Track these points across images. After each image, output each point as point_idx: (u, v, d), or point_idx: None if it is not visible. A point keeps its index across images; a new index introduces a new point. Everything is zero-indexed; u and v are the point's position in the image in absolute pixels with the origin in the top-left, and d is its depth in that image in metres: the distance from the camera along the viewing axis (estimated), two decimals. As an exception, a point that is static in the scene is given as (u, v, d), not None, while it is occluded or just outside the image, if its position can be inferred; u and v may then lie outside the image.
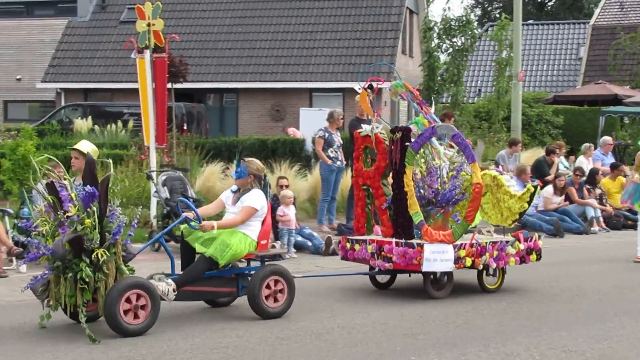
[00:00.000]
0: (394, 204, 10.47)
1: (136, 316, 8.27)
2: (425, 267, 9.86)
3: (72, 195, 8.34)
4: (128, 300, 8.17)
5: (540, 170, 19.40)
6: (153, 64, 15.22)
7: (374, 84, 11.42)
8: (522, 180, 17.21)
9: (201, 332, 8.59)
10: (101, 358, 7.59)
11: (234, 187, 9.67)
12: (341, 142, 16.26)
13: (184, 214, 9.33)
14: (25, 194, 13.59)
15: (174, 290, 8.75)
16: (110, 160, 9.21)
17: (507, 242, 10.52)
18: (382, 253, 10.19)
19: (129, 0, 36.86)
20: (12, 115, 40.49)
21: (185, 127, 25.64)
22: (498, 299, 10.40)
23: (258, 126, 33.87)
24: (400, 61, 35.30)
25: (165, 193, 14.35)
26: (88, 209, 8.22)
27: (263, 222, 9.49)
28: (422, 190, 10.39)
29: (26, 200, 13.41)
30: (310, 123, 26.94)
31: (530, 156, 24.90)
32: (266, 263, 9.46)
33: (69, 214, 8.22)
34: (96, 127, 27.27)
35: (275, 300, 9.18)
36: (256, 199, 9.36)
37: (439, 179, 10.42)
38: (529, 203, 10.34)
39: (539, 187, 10.75)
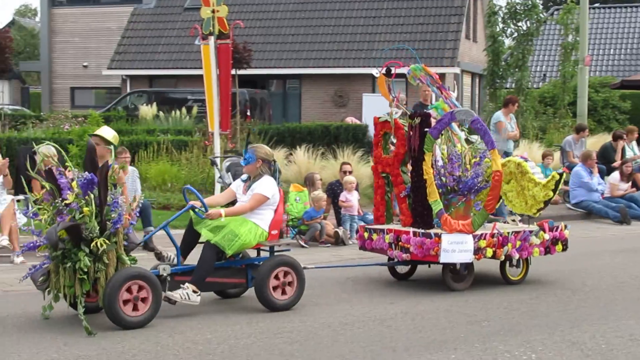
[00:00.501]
0: (413, 192, 10.12)
1: (136, 308, 8.02)
2: (443, 259, 9.51)
3: (73, 183, 8.04)
4: (128, 291, 7.94)
5: (605, 156, 19.11)
6: (217, 51, 15.33)
7: (392, 69, 10.83)
8: (587, 166, 17.00)
9: (265, 317, 8.61)
10: (167, 342, 7.68)
11: (244, 176, 9.33)
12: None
13: (191, 202, 8.97)
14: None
15: (194, 292, 8.44)
16: (112, 147, 9.12)
17: (530, 231, 10.09)
18: (400, 243, 9.84)
19: (193, -13, 37.09)
20: (79, 101, 41.06)
21: (248, 113, 25.72)
22: (562, 286, 10.28)
23: (321, 112, 33.89)
24: (464, 46, 35.04)
25: (229, 179, 14.38)
26: (86, 197, 7.98)
27: (275, 211, 9.14)
28: (443, 178, 10.02)
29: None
30: (373, 109, 26.85)
31: (595, 142, 24.57)
32: (275, 254, 9.15)
33: (67, 202, 7.94)
34: (161, 113, 27.57)
35: (284, 292, 8.87)
36: (267, 186, 8.99)
37: (460, 166, 10.02)
38: (554, 191, 9.88)
39: (564, 175, 10.05)
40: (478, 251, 9.62)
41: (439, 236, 9.48)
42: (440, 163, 10.17)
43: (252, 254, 9.47)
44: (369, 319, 8.58)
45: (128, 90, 35.40)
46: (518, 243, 9.91)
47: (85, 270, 7.81)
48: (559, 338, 7.78)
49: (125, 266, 8.11)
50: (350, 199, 14.17)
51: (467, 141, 10.34)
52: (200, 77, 16.11)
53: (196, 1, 33.59)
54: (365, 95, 31.13)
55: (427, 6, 34.70)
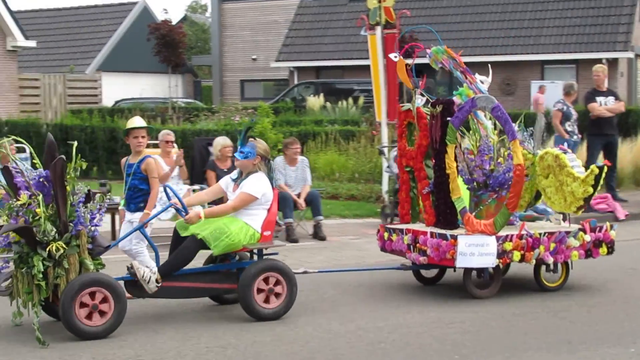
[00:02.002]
0: (436, 188, 9.20)
1: (97, 316, 7.37)
2: (460, 263, 8.52)
3: (30, 181, 7.47)
4: (86, 298, 7.30)
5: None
6: (384, 40, 15.32)
7: (413, 52, 9.95)
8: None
9: (437, 307, 8.54)
10: (339, 329, 7.71)
11: (235, 174, 8.52)
12: (577, 115, 15.86)
13: (171, 202, 8.16)
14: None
15: (156, 280, 7.76)
16: (75, 143, 7.82)
17: (567, 232, 8.93)
18: (417, 245, 8.88)
19: (358, -23, 37.27)
20: (248, 94, 42.02)
21: (415, 103, 25.64)
22: None
23: (488, 100, 33.44)
24: (638, 30, 33.74)
25: (397, 168, 14.39)
26: (36, 197, 7.40)
27: (268, 211, 8.34)
28: (473, 173, 9.05)
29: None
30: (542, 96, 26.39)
31: None
32: (264, 257, 8.36)
33: (21, 202, 7.39)
34: (328, 104, 27.86)
35: (269, 300, 8.01)
36: (256, 185, 8.17)
37: (491, 159, 9.05)
38: (595, 187, 8.56)
39: (605, 168, 8.65)
40: (503, 254, 8.59)
41: (455, 238, 8.53)
42: (470, 156, 9.21)
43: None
44: (542, 310, 8.40)
45: (295, 81, 35.98)
46: (552, 245, 8.80)
47: (41, 275, 7.23)
48: None
49: (89, 272, 7.45)
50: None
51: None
52: (367, 67, 16.16)
53: (362, -8, 33.69)
54: (533, 83, 30.57)
55: (599, -11, 33.66)
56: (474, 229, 8.66)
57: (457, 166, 9.11)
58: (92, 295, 7.32)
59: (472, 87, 9.23)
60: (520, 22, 34.09)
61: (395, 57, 10.37)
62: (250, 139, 8.43)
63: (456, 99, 9.23)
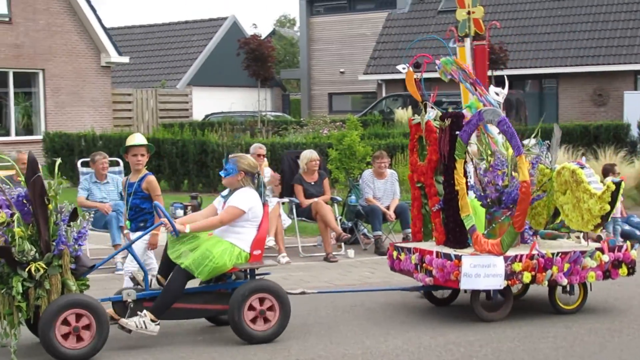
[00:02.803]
0: (445, 205, 8.78)
1: (79, 339, 7.09)
2: (464, 284, 8.08)
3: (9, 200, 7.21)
4: (66, 321, 7.03)
5: None
6: (473, 52, 15.20)
7: (421, 63, 9.58)
8: None
9: (529, 321, 8.37)
10: (430, 343, 7.64)
11: (225, 192, 8.22)
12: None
13: (161, 220, 7.98)
14: (351, 182, 14.15)
15: (152, 321, 7.51)
16: (59, 160, 7.54)
17: (583, 252, 8.41)
18: (424, 265, 8.45)
19: (446, -11, 37.10)
20: (336, 107, 42.16)
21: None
22: None
23: (579, 112, 32.88)
24: None
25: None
26: (16, 216, 7.15)
27: (258, 229, 7.99)
28: (485, 189, 8.59)
29: (353, 188, 14.01)
30: (636, 107, 25.78)
31: None
32: (256, 277, 8.01)
33: (0, 221, 7.11)
34: (416, 115, 27.75)
35: (263, 321, 7.70)
36: (243, 198, 7.88)
37: (505, 175, 8.54)
38: (612, 204, 7.99)
39: (622, 184, 8.15)
40: (512, 276, 8.11)
41: (459, 258, 8.09)
42: (481, 171, 8.77)
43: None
44: (638, 326, 8.16)
45: (383, 94, 35.95)
46: (566, 266, 8.30)
47: (18, 297, 6.99)
48: None
49: (71, 292, 7.19)
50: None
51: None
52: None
53: (450, 3, 33.53)
54: (627, 93, 29.89)
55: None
56: (482, 249, 8.24)
57: (468, 182, 8.76)
58: (72, 317, 7.06)
59: (482, 100, 8.81)
60: (612, 31, 33.45)
61: (404, 68, 9.87)
62: (231, 155, 8.18)
63: (466, 112, 8.88)
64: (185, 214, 12.56)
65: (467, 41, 15.21)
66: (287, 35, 64.42)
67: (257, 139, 22.10)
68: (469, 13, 15.19)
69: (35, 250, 7.11)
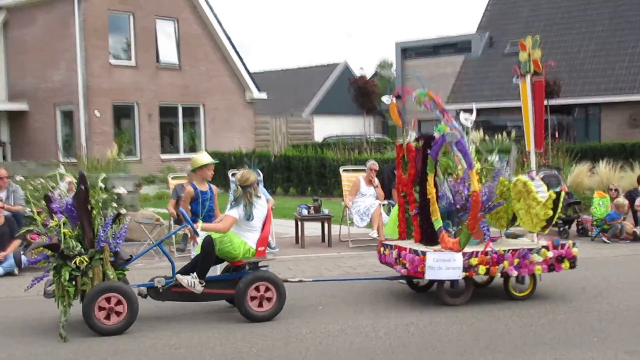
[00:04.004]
0: (420, 210, 8.47)
1: (110, 316, 7.04)
2: (428, 275, 7.80)
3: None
4: (103, 302, 6.99)
5: None
6: (533, 86, 14.84)
7: (401, 94, 9.14)
8: None
9: (488, 305, 7.98)
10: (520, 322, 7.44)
11: (231, 197, 7.98)
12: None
13: (184, 224, 7.77)
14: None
15: (200, 282, 7.43)
16: (103, 175, 7.88)
17: (530, 249, 8.09)
18: (400, 259, 8.24)
19: (511, 36, 36.41)
20: (424, 130, 41.65)
21: (557, 135, 24.73)
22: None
23: (618, 133, 31.73)
24: None
25: (543, 186, 13.92)
26: (62, 220, 7.10)
27: (262, 229, 7.79)
28: (455, 197, 8.34)
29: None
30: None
31: None
32: (260, 268, 7.79)
33: (54, 224, 7.14)
34: (486, 137, 27.28)
35: (262, 304, 7.49)
36: (234, 209, 7.64)
37: (469, 185, 8.11)
38: (554, 210, 7.72)
39: (562, 194, 7.82)
40: (469, 268, 7.80)
41: (424, 254, 7.83)
42: (452, 182, 8.50)
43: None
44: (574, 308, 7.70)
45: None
46: (516, 261, 7.98)
47: (66, 283, 6.99)
48: None
49: (110, 280, 7.12)
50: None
51: (486, 161, 8.55)
52: (518, 107, 15.64)
53: (514, 48, 32.89)
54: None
55: None
56: (446, 246, 7.95)
57: (438, 192, 8.44)
58: (108, 300, 7.02)
59: (448, 124, 8.39)
60: (646, 68, 32.21)
61: (388, 99, 9.48)
62: (232, 174, 7.81)
63: (436, 134, 8.52)
64: (308, 212, 12.73)
65: (528, 77, 14.89)
66: (386, 75, 64.20)
67: (363, 155, 22.12)
68: (529, 55, 14.87)
69: (80, 246, 7.08)
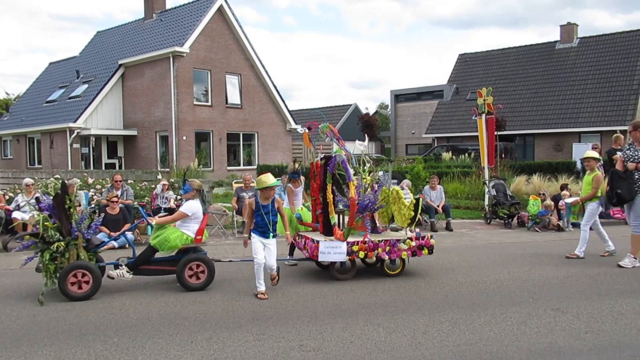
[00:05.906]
0: (322, 210, 8.01)
1: (80, 287, 6.72)
2: (320, 258, 7.39)
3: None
4: (74, 276, 6.70)
5: None
6: (487, 122, 14.74)
7: (311, 127, 8.59)
8: None
9: (368, 280, 7.49)
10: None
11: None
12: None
13: (138, 221, 7.24)
14: (418, 192, 13.75)
15: (127, 272, 7.01)
16: (78, 181, 7.26)
17: (398, 240, 7.66)
18: (305, 246, 7.84)
19: (472, 87, 36.01)
20: (410, 151, 41.29)
21: (503, 156, 24.43)
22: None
23: (547, 154, 31.27)
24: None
25: (493, 192, 13.80)
26: (46, 216, 6.80)
27: (201, 223, 7.20)
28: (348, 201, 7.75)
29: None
30: (579, 152, 24.24)
31: None
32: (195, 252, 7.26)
33: (38, 218, 6.81)
34: (453, 157, 27.03)
35: (198, 278, 7.11)
36: (187, 206, 7.12)
37: (361, 193, 7.85)
38: (415, 211, 7.50)
39: (421, 200, 7.59)
40: (351, 253, 7.43)
41: (317, 242, 7.46)
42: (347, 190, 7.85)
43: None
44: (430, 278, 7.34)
45: (435, 145, 35.12)
46: (387, 248, 7.57)
47: (47, 262, 6.72)
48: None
49: (81, 260, 6.81)
50: (562, 203, 12.88)
51: (370, 173, 8.13)
52: (476, 136, 15.60)
53: (474, 95, 32.53)
54: (574, 144, 28.27)
55: None
56: (337, 237, 7.58)
57: (335, 197, 8.08)
58: (79, 274, 6.73)
59: (343, 148, 7.97)
60: (563, 108, 31.65)
61: (301, 129, 8.87)
62: (187, 180, 7.33)
63: (335, 156, 8.02)
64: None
65: (483, 115, 14.75)
66: (384, 112, 63.96)
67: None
68: (484, 100, 14.75)
69: (59, 234, 6.82)
